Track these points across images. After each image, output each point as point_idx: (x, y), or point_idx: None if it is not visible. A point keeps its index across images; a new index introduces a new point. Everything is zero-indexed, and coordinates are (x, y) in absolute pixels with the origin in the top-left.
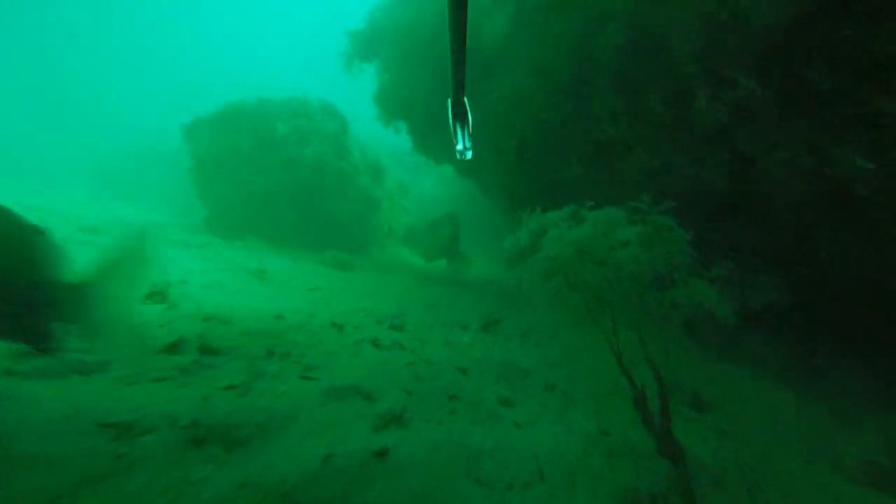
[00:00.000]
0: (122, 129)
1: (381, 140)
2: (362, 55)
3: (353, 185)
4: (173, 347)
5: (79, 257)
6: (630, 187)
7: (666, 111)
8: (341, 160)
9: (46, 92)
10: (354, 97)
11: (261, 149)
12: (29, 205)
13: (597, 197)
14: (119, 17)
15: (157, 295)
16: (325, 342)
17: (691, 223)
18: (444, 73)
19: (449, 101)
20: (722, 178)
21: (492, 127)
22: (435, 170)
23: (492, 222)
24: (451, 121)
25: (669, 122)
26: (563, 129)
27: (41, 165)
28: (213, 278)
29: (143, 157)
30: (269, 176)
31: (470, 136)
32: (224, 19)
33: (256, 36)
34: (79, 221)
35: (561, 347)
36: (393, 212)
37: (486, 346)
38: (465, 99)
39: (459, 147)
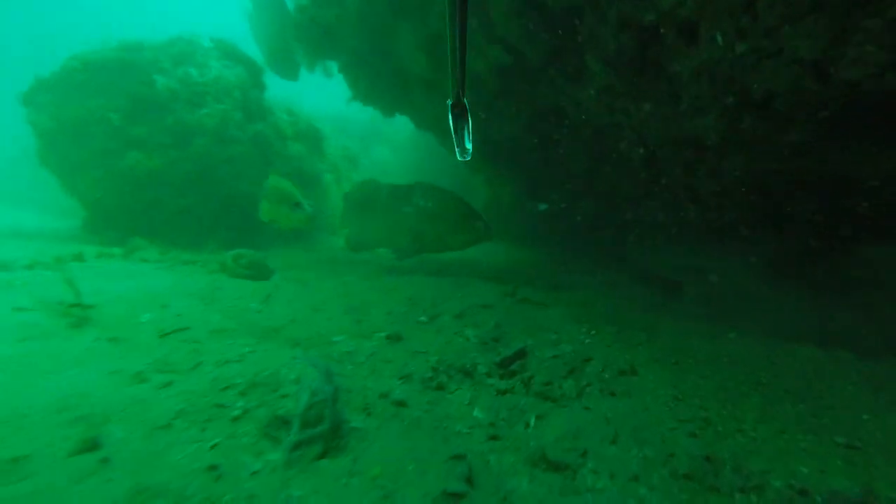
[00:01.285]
0: None
1: (320, 106)
2: None
3: (279, 155)
4: None
5: None
6: (688, 101)
7: None
8: (256, 122)
9: None
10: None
11: (137, 114)
12: None
13: (633, 126)
14: None
15: None
16: None
17: None
18: None
19: (449, 101)
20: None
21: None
22: (391, 135)
23: (463, 188)
24: (451, 122)
25: None
26: (576, 17)
27: None
28: None
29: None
30: (155, 151)
31: (470, 137)
32: None
33: None
34: None
35: (665, 406)
36: (340, 188)
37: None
38: (466, 100)
39: (460, 149)
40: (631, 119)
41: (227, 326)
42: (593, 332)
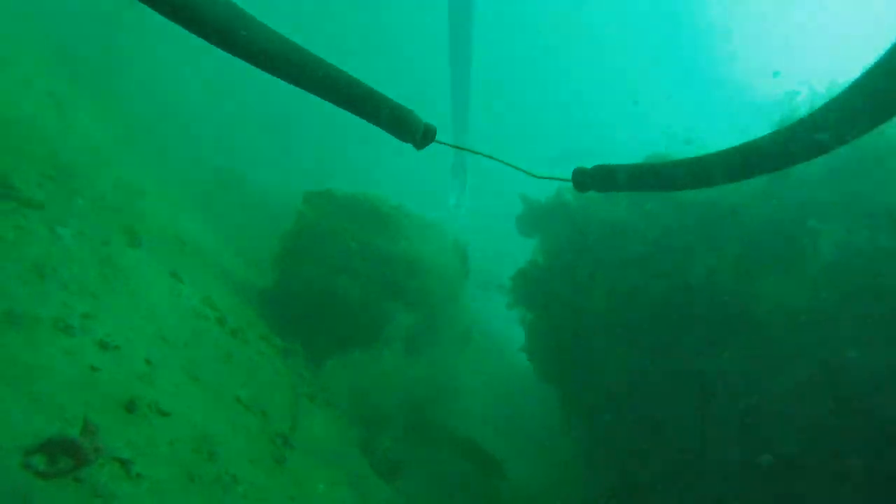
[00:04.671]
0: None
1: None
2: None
3: None
4: None
5: None
6: None
7: None
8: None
9: None
10: None
11: (360, 252)
12: None
13: None
14: None
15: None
16: None
17: None
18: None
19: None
20: None
21: None
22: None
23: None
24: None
25: None
26: None
27: None
28: None
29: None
30: (353, 283)
31: (465, 194)
32: None
33: None
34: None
35: None
36: None
37: None
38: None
39: (453, 202)
40: None
41: None
42: None
